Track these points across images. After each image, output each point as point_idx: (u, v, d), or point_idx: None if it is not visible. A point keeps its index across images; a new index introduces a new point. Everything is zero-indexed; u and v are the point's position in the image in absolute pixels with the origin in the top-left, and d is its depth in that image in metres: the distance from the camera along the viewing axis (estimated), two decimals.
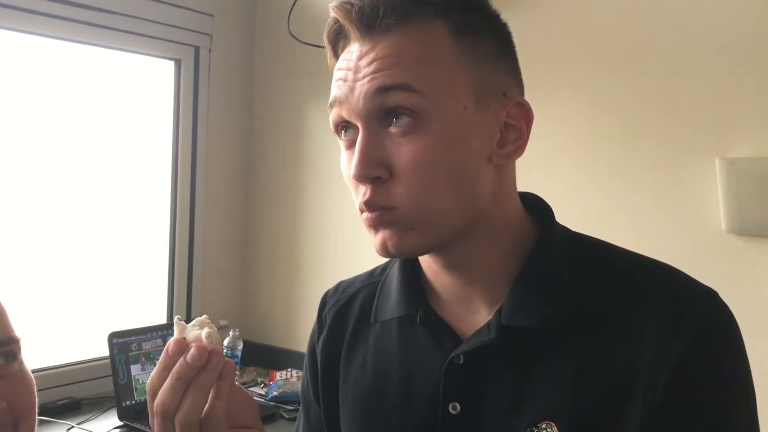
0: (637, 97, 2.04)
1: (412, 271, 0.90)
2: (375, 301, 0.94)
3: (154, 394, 0.73)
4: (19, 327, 0.91)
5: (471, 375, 0.82)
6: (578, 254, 0.84)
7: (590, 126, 2.04)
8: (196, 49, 2.85)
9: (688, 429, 0.74)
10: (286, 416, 2.34)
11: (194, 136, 2.86)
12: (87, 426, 2.22)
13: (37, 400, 0.92)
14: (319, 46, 2.75)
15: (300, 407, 1.07)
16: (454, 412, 0.82)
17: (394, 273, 0.93)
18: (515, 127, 0.81)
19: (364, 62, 0.77)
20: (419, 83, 0.75)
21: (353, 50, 0.79)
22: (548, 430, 0.77)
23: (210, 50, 2.88)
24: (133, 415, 2.26)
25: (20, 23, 2.31)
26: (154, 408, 0.72)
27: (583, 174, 2.02)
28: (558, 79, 2.13)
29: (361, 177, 0.76)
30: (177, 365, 0.71)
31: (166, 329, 2.46)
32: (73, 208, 2.60)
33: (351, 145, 0.79)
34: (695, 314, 0.76)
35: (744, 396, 0.77)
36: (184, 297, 2.88)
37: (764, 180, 1.82)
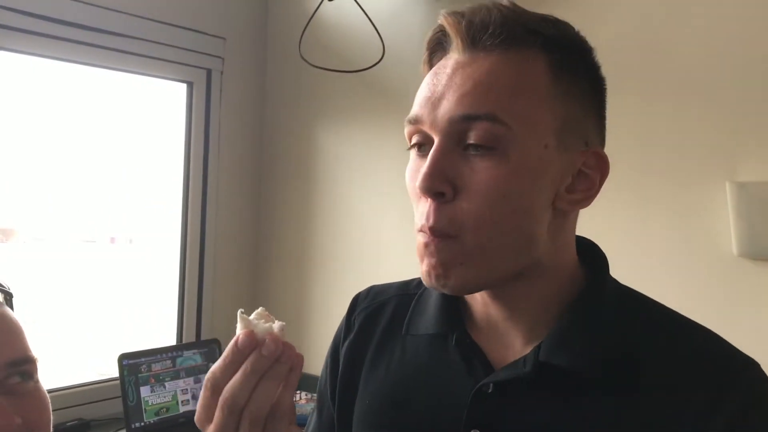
0: (647, 121, 2.04)
1: None
2: (409, 314, 0.94)
3: (217, 389, 0.72)
4: (35, 346, 0.93)
5: (498, 405, 0.81)
6: (626, 305, 0.84)
7: None
8: (209, 72, 2.87)
9: None
10: None
11: (205, 157, 2.87)
12: None
13: (51, 418, 0.94)
14: (329, 70, 2.79)
15: (315, 405, 1.07)
16: None
17: (433, 291, 0.91)
18: (589, 176, 0.81)
19: (458, 77, 0.77)
20: (506, 114, 0.74)
21: (449, 61, 0.79)
22: None
23: (222, 73, 2.90)
24: None
25: (37, 47, 2.34)
26: (223, 401, 0.71)
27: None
28: None
29: (427, 188, 0.76)
30: (251, 358, 0.71)
31: (175, 351, 2.46)
32: (84, 230, 2.62)
33: (423, 157, 0.80)
34: (739, 385, 0.75)
35: None
36: (194, 319, 2.88)
37: None
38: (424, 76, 0.84)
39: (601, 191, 0.84)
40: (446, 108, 0.77)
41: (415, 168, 0.81)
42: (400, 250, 2.56)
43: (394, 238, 2.60)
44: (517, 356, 0.82)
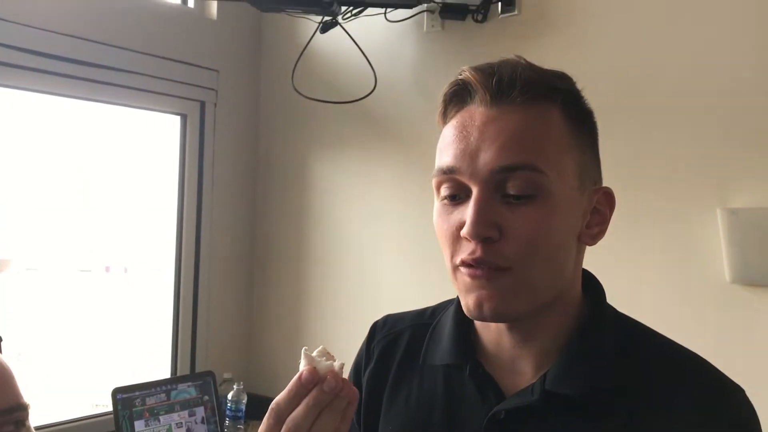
0: (637, 149, 2.06)
1: (464, 323, 0.96)
2: (425, 344, 1.00)
3: (280, 418, 0.79)
4: (24, 386, 0.93)
5: (511, 431, 0.87)
6: (623, 334, 0.91)
7: None
8: (202, 104, 2.89)
9: None
10: None
11: (199, 188, 2.88)
12: None
13: None
14: (322, 101, 2.81)
15: None
16: None
17: (447, 321, 0.99)
18: (600, 212, 0.90)
19: (491, 130, 0.83)
20: (541, 163, 0.82)
21: (475, 115, 0.85)
22: None
23: (215, 105, 2.92)
24: None
25: (32, 83, 2.35)
26: (286, 430, 0.78)
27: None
28: None
29: (475, 235, 0.81)
30: (314, 393, 0.78)
31: (170, 384, 2.45)
32: (79, 259, 2.62)
33: (456, 206, 0.86)
34: (726, 411, 0.83)
35: None
36: (188, 351, 2.86)
37: (767, 230, 1.83)
38: (441, 128, 0.90)
39: None
40: (486, 159, 0.82)
41: (446, 213, 0.87)
42: (397, 277, 2.57)
43: (391, 264, 2.60)
44: (527, 383, 0.88)
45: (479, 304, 0.83)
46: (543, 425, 0.86)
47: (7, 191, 2.40)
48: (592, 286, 0.95)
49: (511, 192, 0.82)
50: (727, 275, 1.88)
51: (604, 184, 0.92)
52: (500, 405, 0.88)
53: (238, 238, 3.04)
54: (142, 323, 2.85)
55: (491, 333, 0.93)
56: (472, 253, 0.82)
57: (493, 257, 0.82)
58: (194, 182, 2.87)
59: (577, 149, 0.87)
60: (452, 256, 0.86)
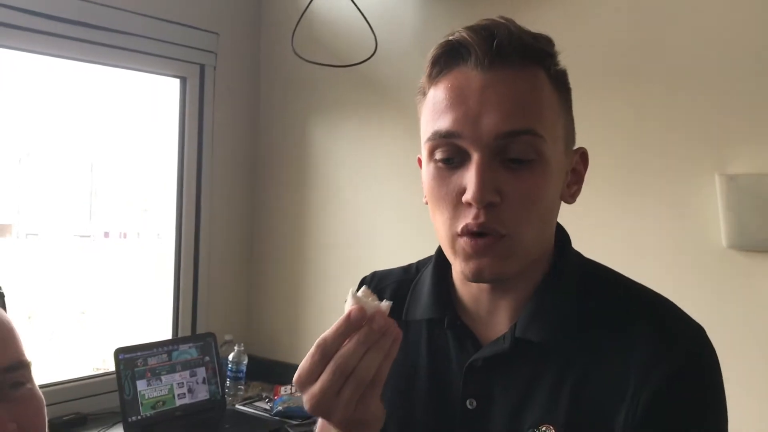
0: (636, 114, 2.06)
1: (443, 280, 1.01)
2: (407, 301, 1.04)
3: (327, 355, 0.79)
4: (28, 347, 0.92)
5: (487, 377, 0.92)
6: (588, 280, 0.95)
7: (589, 143, 2.05)
8: (202, 67, 2.88)
9: None
10: (291, 431, 2.35)
11: (199, 152, 2.88)
12: None
13: (46, 420, 0.94)
14: (321, 64, 2.79)
15: None
16: (471, 407, 0.93)
17: (426, 278, 1.03)
18: (577, 171, 0.95)
19: (492, 95, 0.84)
20: (540, 128, 0.85)
21: (471, 77, 0.85)
22: None
23: (215, 68, 2.91)
24: (140, 430, 2.28)
25: (31, 44, 2.34)
26: (334, 365, 0.78)
27: (582, 191, 2.04)
28: None
29: (479, 200, 0.83)
30: (363, 330, 0.79)
31: (171, 345, 2.48)
32: (78, 225, 2.63)
33: (453, 170, 0.87)
34: (681, 347, 0.86)
35: (713, 429, 0.85)
36: (189, 313, 2.89)
37: (764, 196, 1.84)
38: (425, 90, 0.91)
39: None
40: (490, 125, 0.83)
41: (443, 178, 0.88)
42: (394, 241, 2.58)
43: (388, 229, 2.62)
44: (502, 333, 0.93)
45: (479, 271, 0.86)
46: (515, 372, 0.91)
47: (6, 156, 2.40)
48: (559, 235, 0.97)
49: (513, 157, 0.84)
50: (723, 240, 1.89)
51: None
52: (477, 353, 0.93)
53: (238, 202, 3.05)
54: (142, 289, 2.87)
55: (470, 289, 0.96)
56: (476, 217, 0.84)
57: (494, 222, 0.84)
58: (194, 146, 2.86)
59: (563, 113, 0.90)
60: (451, 223, 0.87)
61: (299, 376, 0.81)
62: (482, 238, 0.85)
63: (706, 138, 1.95)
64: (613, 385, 0.85)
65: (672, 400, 0.83)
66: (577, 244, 1.00)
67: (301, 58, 2.51)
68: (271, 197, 3.04)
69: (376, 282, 1.13)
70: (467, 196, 0.84)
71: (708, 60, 1.95)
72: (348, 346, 0.79)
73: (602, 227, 2.07)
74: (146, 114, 2.83)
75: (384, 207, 2.66)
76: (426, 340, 1.00)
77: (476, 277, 0.87)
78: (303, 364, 0.81)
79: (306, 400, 0.81)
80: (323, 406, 0.80)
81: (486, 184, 0.83)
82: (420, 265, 1.10)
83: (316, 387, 0.79)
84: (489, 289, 0.94)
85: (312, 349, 0.80)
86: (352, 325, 0.79)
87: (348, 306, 0.81)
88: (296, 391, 2.60)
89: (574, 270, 0.95)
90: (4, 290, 0.98)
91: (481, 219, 0.84)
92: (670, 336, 0.86)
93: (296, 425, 2.37)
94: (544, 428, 0.87)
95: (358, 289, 0.83)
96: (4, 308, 0.95)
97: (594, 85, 2.08)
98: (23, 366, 0.91)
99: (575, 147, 0.95)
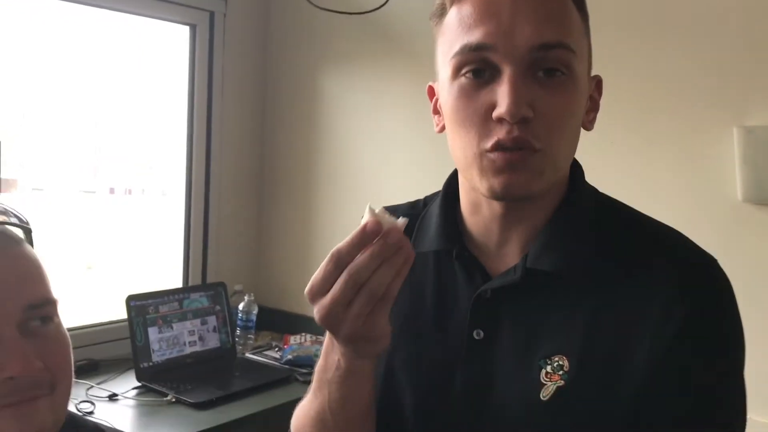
0: (653, 66, 2.02)
1: (451, 211, 0.99)
2: (414, 233, 1.02)
3: (340, 265, 0.79)
4: (54, 286, 0.91)
5: (496, 308, 0.90)
6: (602, 213, 0.93)
7: (606, 95, 2.02)
8: (211, 14, 2.84)
9: (687, 382, 0.82)
10: (301, 379, 2.37)
11: (209, 100, 2.86)
12: (106, 386, 2.26)
13: (73, 360, 0.93)
14: (333, 11, 2.74)
15: None
16: (477, 338, 0.91)
17: (435, 210, 1.01)
18: (594, 99, 0.93)
19: (525, 6, 0.82)
20: (572, 43, 0.83)
21: None
22: (560, 362, 0.86)
23: (225, 15, 2.87)
24: (151, 376, 2.30)
25: None
26: (348, 275, 0.78)
27: (599, 143, 2.01)
28: None
29: (514, 115, 0.80)
30: (378, 243, 0.78)
31: (182, 293, 2.49)
32: (83, 180, 2.62)
33: (482, 85, 0.83)
34: (701, 281, 0.85)
35: (734, 358, 0.85)
36: (200, 262, 2.90)
37: None
38: (446, 8, 0.88)
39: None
40: (524, 37, 0.81)
41: (469, 95, 0.84)
42: (403, 193, 2.56)
43: (398, 181, 2.60)
44: (512, 264, 0.91)
45: (509, 185, 0.83)
46: (526, 303, 0.89)
47: (12, 110, 2.38)
48: (573, 167, 0.95)
49: (547, 68, 0.82)
50: (739, 194, 1.87)
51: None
52: (486, 284, 0.91)
53: (248, 152, 3.04)
54: (148, 245, 2.88)
55: (480, 219, 0.94)
56: (509, 132, 0.81)
57: (530, 136, 0.81)
58: (204, 94, 2.84)
59: (586, 34, 0.89)
60: (480, 140, 0.83)
61: (311, 286, 0.80)
62: (517, 152, 0.82)
63: (726, 89, 1.91)
64: (632, 319, 0.84)
65: (695, 335, 0.82)
66: None
67: (312, 3, 2.47)
68: (281, 145, 3.02)
69: None
70: (500, 111, 0.80)
71: (726, 12, 1.90)
72: (362, 257, 0.78)
73: (617, 176, 2.03)
74: (151, 70, 2.79)
75: (394, 158, 2.63)
76: (433, 272, 0.98)
77: (505, 191, 0.84)
78: (316, 275, 0.80)
79: (316, 311, 0.80)
80: (332, 318, 0.79)
81: (520, 98, 0.80)
82: (428, 200, 1.08)
83: (327, 298, 0.78)
84: (502, 216, 0.91)
85: (326, 260, 0.79)
86: (367, 236, 0.78)
87: (364, 219, 0.80)
88: (305, 340, 2.62)
89: (590, 201, 0.94)
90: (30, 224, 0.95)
91: (515, 133, 0.81)
92: (690, 271, 0.85)
93: (306, 373, 2.39)
94: (557, 359, 0.86)
95: None
96: (31, 244, 0.93)
97: (608, 39, 2.04)
98: (50, 303, 0.89)
99: (595, 75, 0.93)
